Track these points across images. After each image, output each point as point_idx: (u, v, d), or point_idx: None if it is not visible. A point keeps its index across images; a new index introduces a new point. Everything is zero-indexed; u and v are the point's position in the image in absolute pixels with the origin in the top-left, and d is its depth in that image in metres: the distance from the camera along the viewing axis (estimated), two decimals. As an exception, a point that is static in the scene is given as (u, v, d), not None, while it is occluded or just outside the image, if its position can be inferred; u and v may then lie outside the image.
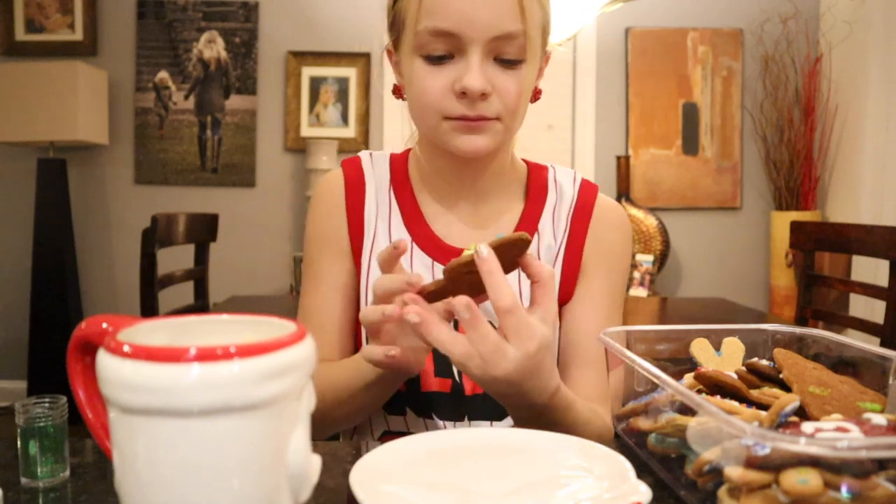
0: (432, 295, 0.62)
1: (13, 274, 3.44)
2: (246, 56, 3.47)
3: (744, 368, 0.63)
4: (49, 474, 0.57)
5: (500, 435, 0.62)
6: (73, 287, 3.20)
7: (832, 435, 0.45)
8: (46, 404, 0.57)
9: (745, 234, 3.57)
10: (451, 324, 0.63)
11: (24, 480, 0.56)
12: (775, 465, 0.44)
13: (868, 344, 0.63)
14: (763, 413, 0.53)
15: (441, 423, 0.83)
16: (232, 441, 0.38)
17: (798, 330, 0.70)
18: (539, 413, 0.67)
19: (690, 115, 3.53)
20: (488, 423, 0.83)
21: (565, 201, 0.88)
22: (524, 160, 0.93)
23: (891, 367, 0.59)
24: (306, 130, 3.50)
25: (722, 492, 0.48)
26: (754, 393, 0.58)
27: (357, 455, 0.57)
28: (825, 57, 3.41)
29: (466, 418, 0.83)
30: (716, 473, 0.49)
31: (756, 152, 3.54)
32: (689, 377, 0.63)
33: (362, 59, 3.48)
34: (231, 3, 3.46)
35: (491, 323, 0.62)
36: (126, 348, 0.38)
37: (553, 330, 0.64)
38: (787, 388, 0.59)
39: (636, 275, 3.20)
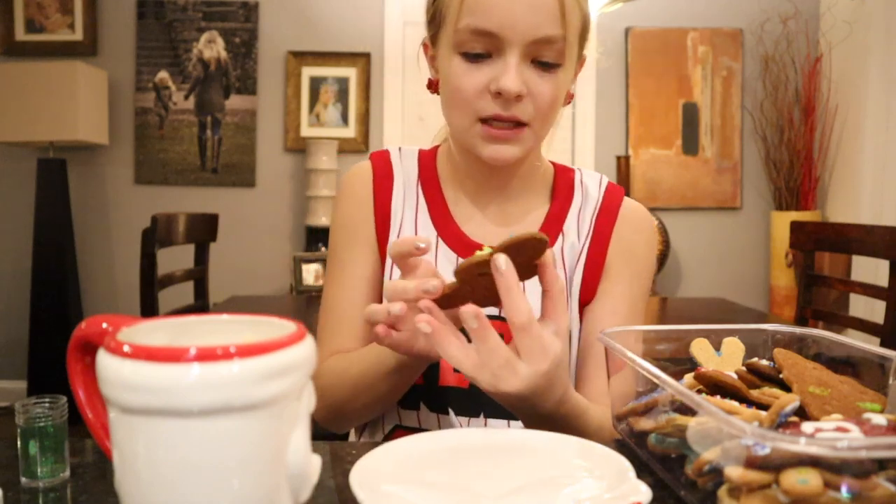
0: (446, 298, 0.61)
1: (13, 274, 3.44)
2: (246, 56, 3.48)
3: (744, 368, 0.63)
4: (49, 474, 0.56)
5: (500, 435, 0.62)
6: (73, 287, 3.20)
7: (832, 435, 0.45)
8: (46, 404, 0.57)
9: (745, 234, 3.57)
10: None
11: (24, 480, 0.56)
12: (775, 465, 0.44)
13: (868, 344, 0.63)
14: (763, 413, 0.53)
15: (456, 418, 0.82)
16: (232, 441, 0.38)
17: (798, 330, 0.70)
18: (550, 420, 0.67)
19: (690, 115, 3.53)
20: (504, 420, 0.82)
21: (590, 203, 0.89)
22: (551, 162, 0.93)
23: (891, 367, 0.59)
24: (306, 130, 3.50)
25: (722, 492, 0.48)
26: (754, 393, 0.58)
27: (357, 455, 0.57)
28: (825, 57, 3.41)
29: (482, 415, 0.82)
30: (716, 473, 0.49)
31: (756, 152, 3.54)
32: (689, 377, 0.63)
33: (362, 59, 3.48)
34: (231, 3, 3.46)
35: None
36: (126, 348, 0.38)
37: (566, 342, 0.63)
38: (787, 388, 0.59)
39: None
